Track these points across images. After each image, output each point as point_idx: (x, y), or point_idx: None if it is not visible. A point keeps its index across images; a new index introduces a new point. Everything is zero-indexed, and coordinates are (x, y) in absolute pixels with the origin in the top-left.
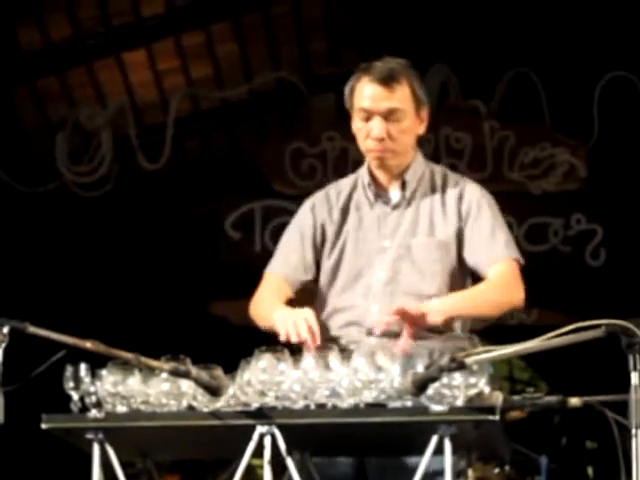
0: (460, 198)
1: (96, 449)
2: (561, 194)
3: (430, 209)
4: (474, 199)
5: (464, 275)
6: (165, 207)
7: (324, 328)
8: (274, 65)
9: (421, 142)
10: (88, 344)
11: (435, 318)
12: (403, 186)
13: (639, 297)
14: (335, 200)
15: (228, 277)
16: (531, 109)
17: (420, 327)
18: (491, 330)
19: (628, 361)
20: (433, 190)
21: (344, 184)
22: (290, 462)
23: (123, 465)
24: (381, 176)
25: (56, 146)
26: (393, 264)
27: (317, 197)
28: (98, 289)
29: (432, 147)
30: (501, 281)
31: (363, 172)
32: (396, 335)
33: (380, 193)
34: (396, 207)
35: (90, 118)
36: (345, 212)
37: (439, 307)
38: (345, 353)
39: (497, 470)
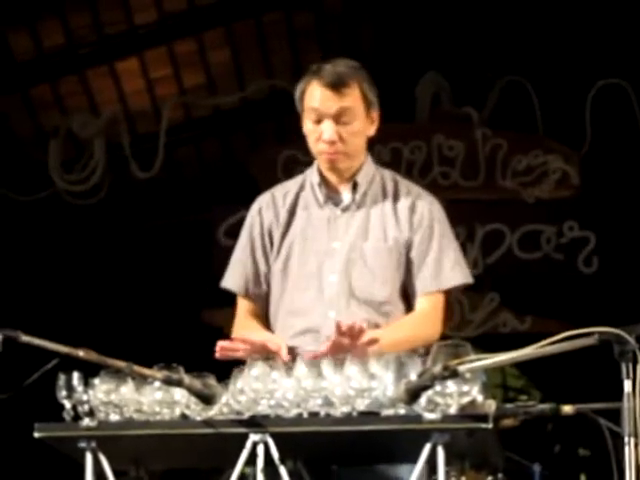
0: (412, 208)
1: (89, 458)
2: (554, 202)
3: (382, 214)
4: (426, 213)
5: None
6: (158, 215)
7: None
8: (267, 73)
9: (413, 150)
10: (81, 353)
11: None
12: (354, 188)
13: (632, 305)
14: (282, 202)
15: None
16: (523, 116)
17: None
18: (484, 338)
19: (621, 369)
20: (384, 195)
21: (291, 185)
22: (283, 470)
23: (116, 474)
24: (332, 178)
25: (49, 154)
26: (345, 267)
27: (263, 199)
28: (90, 298)
29: (424, 155)
30: (421, 319)
31: (312, 172)
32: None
33: (330, 195)
34: (346, 209)
35: (83, 126)
36: (292, 213)
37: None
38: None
39: (490, 478)
